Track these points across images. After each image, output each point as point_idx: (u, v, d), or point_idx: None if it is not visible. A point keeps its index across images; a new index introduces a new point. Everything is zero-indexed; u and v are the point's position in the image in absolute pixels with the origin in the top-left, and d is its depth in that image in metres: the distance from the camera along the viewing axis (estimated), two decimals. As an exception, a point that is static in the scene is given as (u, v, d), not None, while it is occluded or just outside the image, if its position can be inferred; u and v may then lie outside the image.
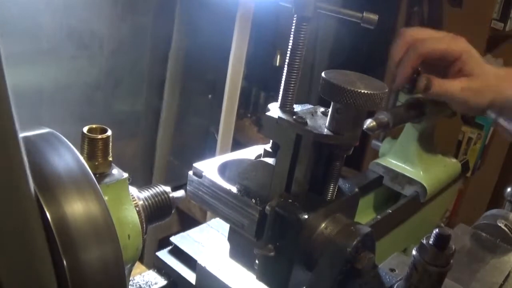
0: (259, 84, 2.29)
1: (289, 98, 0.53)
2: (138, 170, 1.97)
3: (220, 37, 1.75)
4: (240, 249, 0.59)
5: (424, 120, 0.93)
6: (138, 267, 0.95)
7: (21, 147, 0.31)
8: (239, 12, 1.61)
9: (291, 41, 0.51)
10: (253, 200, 0.54)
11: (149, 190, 0.56)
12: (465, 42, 0.80)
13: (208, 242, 0.73)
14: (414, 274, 0.49)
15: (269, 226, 0.52)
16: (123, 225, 0.48)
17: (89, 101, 1.65)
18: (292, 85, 0.53)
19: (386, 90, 0.48)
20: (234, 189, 0.56)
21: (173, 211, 0.58)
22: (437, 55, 0.79)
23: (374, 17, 0.47)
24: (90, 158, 0.48)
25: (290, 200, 0.51)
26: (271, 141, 0.56)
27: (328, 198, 0.55)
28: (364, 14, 0.48)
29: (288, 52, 0.52)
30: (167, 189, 0.57)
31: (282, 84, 0.53)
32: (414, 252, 0.49)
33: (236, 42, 1.63)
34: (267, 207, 0.52)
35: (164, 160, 1.98)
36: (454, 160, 1.22)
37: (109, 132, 0.50)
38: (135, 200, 0.52)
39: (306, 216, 0.50)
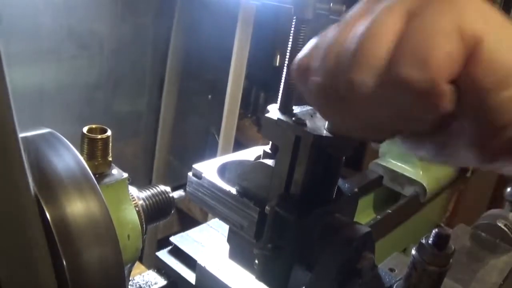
0: (259, 84, 2.29)
1: (289, 100, 0.53)
2: (138, 170, 1.97)
3: (220, 38, 1.75)
4: (240, 250, 0.59)
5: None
6: (138, 267, 0.95)
7: (21, 147, 0.31)
8: (241, 13, 1.61)
9: (290, 43, 0.51)
10: (253, 202, 0.54)
11: (149, 190, 0.56)
12: None
13: (208, 242, 0.73)
14: (414, 274, 0.49)
15: (269, 226, 0.52)
16: (123, 225, 0.48)
17: (89, 101, 1.65)
18: (292, 86, 0.53)
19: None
20: (233, 190, 0.56)
21: (173, 211, 0.58)
22: None
23: (341, 8, 0.48)
24: (90, 158, 0.48)
25: (290, 200, 0.51)
26: (270, 142, 0.56)
27: (328, 198, 0.55)
28: (331, 5, 0.48)
29: (288, 54, 0.52)
30: (167, 189, 0.57)
31: (282, 86, 0.53)
32: (413, 252, 0.49)
33: (238, 43, 1.63)
34: (267, 207, 0.52)
35: (164, 160, 1.98)
36: (454, 160, 1.22)
37: (109, 132, 0.50)
38: (135, 200, 0.52)
39: (305, 216, 0.50)
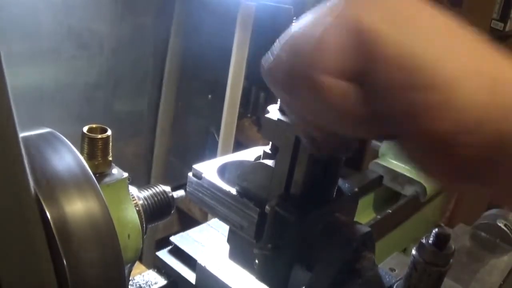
0: (259, 84, 2.29)
1: (289, 99, 0.53)
2: (138, 170, 1.97)
3: (219, 37, 1.75)
4: (240, 250, 0.59)
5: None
6: (138, 267, 0.95)
7: (21, 147, 0.31)
8: (240, 13, 1.61)
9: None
10: (252, 202, 0.54)
11: (149, 189, 0.56)
12: None
13: (208, 242, 0.73)
14: (414, 273, 0.49)
15: (269, 226, 0.52)
16: (123, 225, 0.48)
17: (89, 101, 1.65)
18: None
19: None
20: (233, 191, 0.56)
21: (173, 211, 0.58)
22: None
23: None
24: (90, 158, 0.48)
25: (290, 200, 0.51)
26: (270, 142, 0.56)
27: (328, 198, 0.55)
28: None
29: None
30: (167, 188, 0.57)
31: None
32: (413, 251, 0.49)
33: (238, 43, 1.63)
34: (267, 207, 0.52)
35: (164, 160, 1.98)
36: (454, 160, 1.22)
37: (109, 132, 0.50)
38: (135, 200, 0.52)
39: (305, 216, 0.50)
